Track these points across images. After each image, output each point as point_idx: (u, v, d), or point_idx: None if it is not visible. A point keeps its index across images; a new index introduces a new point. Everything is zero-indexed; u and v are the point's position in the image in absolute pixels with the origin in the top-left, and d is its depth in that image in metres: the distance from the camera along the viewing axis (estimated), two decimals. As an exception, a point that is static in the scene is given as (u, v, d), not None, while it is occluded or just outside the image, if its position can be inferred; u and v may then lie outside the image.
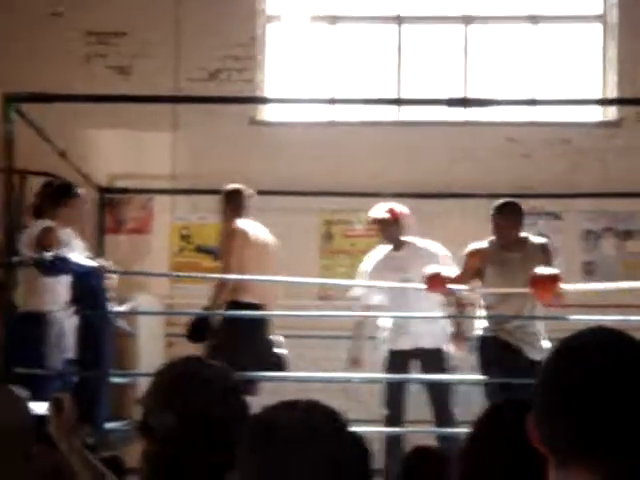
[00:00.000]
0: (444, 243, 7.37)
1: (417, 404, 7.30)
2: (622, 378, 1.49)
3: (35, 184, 7.67)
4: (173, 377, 2.36)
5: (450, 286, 6.81)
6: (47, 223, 6.77)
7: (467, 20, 10.01)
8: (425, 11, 10.06)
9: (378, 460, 6.31)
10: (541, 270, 6.43)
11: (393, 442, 7.11)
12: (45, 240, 6.67)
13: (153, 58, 9.71)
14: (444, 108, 9.09)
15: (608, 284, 8.07)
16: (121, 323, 8.20)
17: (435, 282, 6.80)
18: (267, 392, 6.74)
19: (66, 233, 6.92)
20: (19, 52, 9.64)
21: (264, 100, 10.21)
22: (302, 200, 9.29)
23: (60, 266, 6.57)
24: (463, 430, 5.43)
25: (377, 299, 7.40)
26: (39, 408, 3.09)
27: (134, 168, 9.72)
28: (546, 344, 6.54)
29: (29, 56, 9.63)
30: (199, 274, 8.68)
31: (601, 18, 9.90)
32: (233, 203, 7.37)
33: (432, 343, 7.21)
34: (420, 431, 7.33)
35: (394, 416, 7.20)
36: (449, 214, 9.13)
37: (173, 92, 9.51)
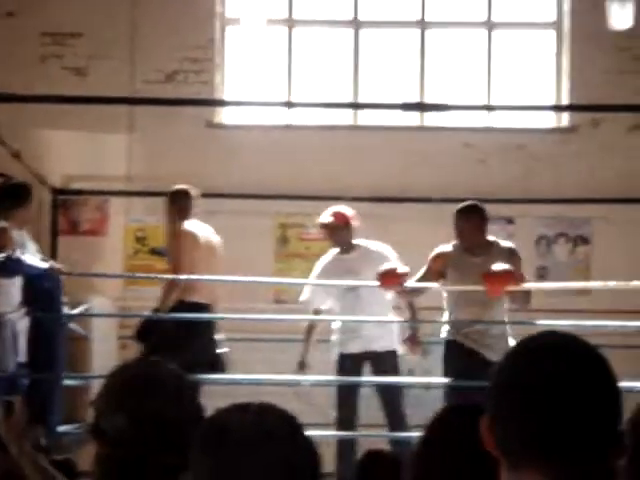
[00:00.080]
0: (399, 247, 7.35)
1: (369, 408, 7.29)
2: (576, 381, 1.50)
3: (-12, 185, 7.59)
4: (125, 379, 2.34)
5: (406, 284, 6.63)
6: (1, 224, 6.71)
7: (423, 25, 10.05)
8: (382, 16, 10.09)
9: (329, 464, 6.31)
10: (495, 266, 6.35)
11: (345, 446, 7.07)
12: (-2, 241, 6.61)
13: (109, 59, 9.66)
14: (400, 112, 9.12)
15: (559, 283, 8.30)
16: (74, 326, 8.15)
17: (389, 278, 6.65)
18: (219, 395, 6.70)
19: (20, 234, 6.87)
20: (-27, 52, 9.55)
21: (221, 103, 10.19)
22: (258, 203, 9.28)
23: (13, 267, 6.52)
24: (416, 434, 5.44)
25: (327, 304, 7.38)
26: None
27: (89, 169, 9.66)
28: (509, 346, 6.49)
29: (-17, 56, 9.55)
30: (152, 275, 8.57)
31: (555, 25, 10.00)
32: (179, 204, 7.36)
33: (384, 346, 7.18)
34: (373, 435, 7.34)
35: (346, 419, 7.16)
36: (405, 218, 9.15)
37: (129, 94, 9.47)
